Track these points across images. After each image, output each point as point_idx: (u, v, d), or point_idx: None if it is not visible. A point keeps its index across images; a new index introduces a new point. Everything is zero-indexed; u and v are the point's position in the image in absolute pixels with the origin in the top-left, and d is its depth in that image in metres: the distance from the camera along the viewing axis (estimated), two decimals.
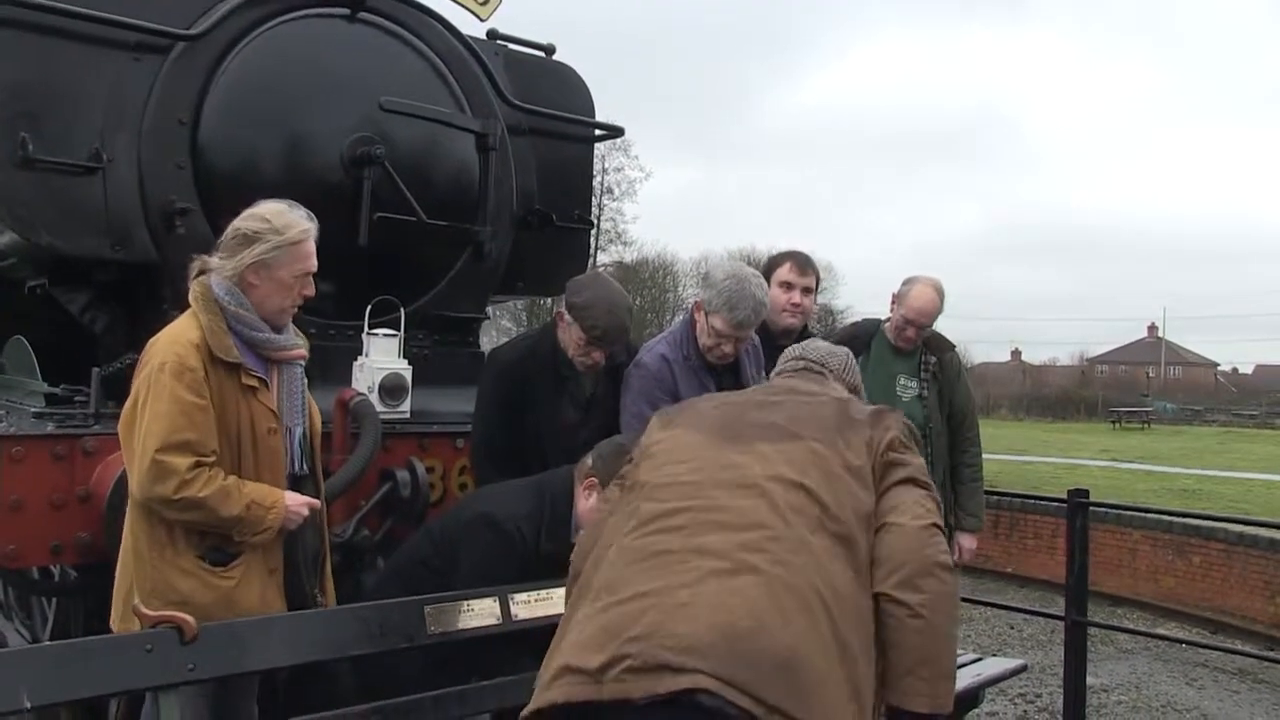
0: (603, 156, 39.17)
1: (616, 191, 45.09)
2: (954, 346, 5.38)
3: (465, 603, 3.21)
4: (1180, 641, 9.58)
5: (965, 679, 4.45)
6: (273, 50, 4.57)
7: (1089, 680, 5.83)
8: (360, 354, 4.45)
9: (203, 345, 3.04)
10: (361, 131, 4.62)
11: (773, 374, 3.08)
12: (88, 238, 4.21)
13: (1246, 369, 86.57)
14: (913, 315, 5.02)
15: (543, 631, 2.58)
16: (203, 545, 3.03)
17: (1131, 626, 10.34)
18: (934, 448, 5.07)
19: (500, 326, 34.53)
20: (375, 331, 4.48)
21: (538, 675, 2.23)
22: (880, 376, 4.91)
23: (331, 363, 4.36)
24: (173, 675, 2.62)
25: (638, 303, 47.59)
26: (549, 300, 4.26)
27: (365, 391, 4.28)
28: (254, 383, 3.14)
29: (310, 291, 3.24)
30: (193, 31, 4.35)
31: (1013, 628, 10.36)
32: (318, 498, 3.37)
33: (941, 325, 5.26)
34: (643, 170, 57.17)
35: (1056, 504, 8.05)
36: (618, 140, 7.30)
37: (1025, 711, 7.58)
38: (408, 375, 4.43)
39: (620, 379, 4.14)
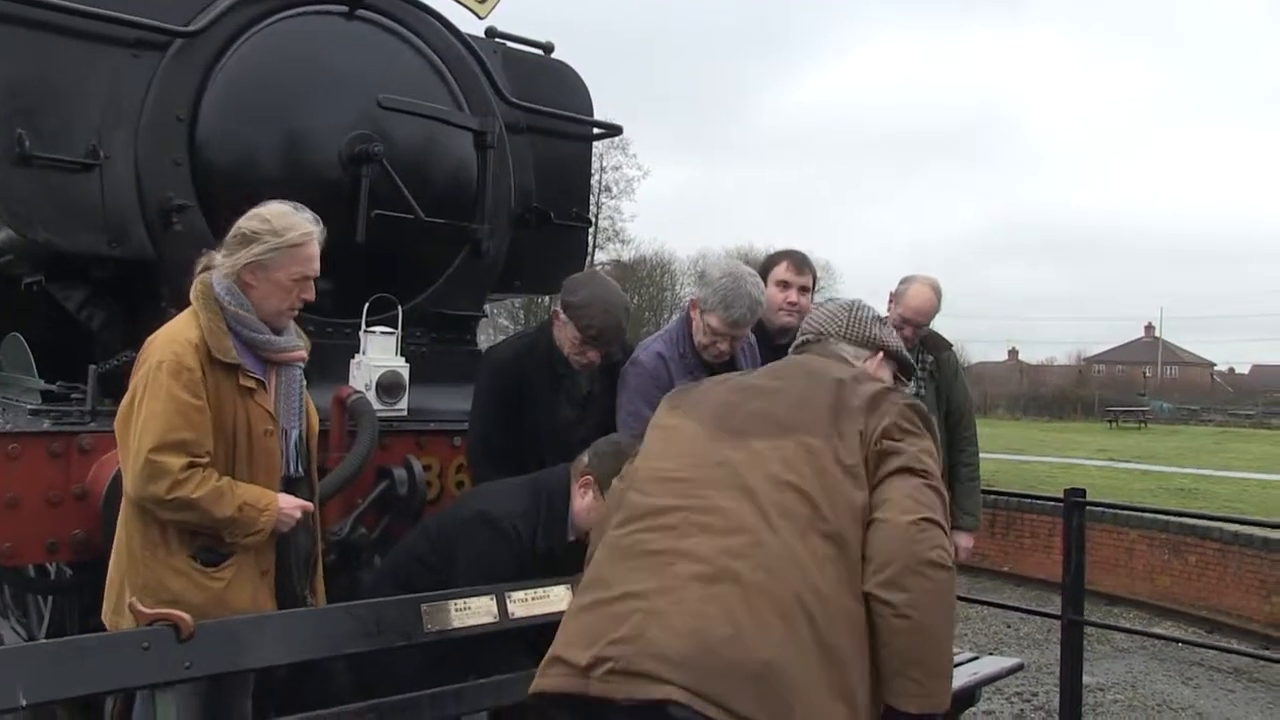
0: (601, 155, 39.21)
1: (614, 190, 45.11)
2: (951, 345, 5.39)
3: (462, 601, 3.21)
4: (1176, 640, 9.58)
5: (962, 678, 4.45)
6: (271, 47, 4.56)
7: (1085, 679, 5.84)
8: (357, 351, 4.45)
9: (201, 345, 3.03)
10: (360, 129, 4.62)
11: (791, 347, 2.98)
12: (85, 234, 4.20)
13: (1243, 369, 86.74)
14: (910, 314, 5.02)
15: (539, 630, 2.57)
16: (194, 545, 3.02)
17: (1128, 625, 10.35)
18: None
19: (498, 325, 34.54)
20: (372, 329, 4.48)
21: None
22: None
23: (329, 360, 4.35)
24: (169, 673, 2.61)
25: (635, 301, 47.62)
26: (546, 298, 4.27)
27: (362, 389, 4.28)
28: (251, 384, 3.13)
29: (309, 295, 3.22)
30: (191, 28, 4.35)
31: (1009, 626, 10.37)
32: (312, 500, 3.36)
33: (939, 324, 5.27)
34: (641, 169, 57.18)
35: (1053, 503, 8.06)
36: (616, 139, 7.29)
37: (1022, 710, 7.59)
38: (405, 373, 4.43)
39: (617, 377, 4.14)
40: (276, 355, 3.22)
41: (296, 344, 3.30)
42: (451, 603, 3.18)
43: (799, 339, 2.87)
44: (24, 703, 2.36)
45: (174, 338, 3.04)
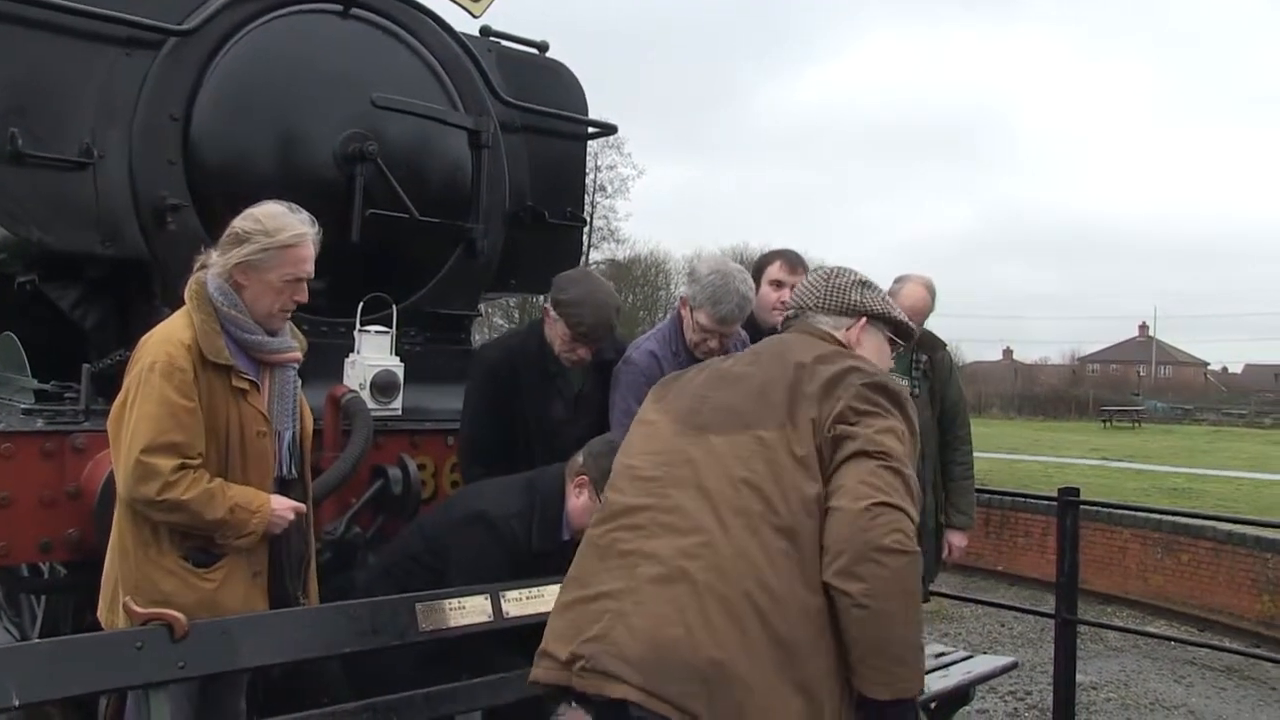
0: (595, 154, 39.20)
1: (609, 189, 45.12)
2: (945, 345, 5.40)
3: (456, 600, 3.21)
4: (1169, 639, 9.59)
5: (956, 676, 4.47)
6: (265, 46, 4.56)
7: (1079, 677, 5.85)
8: (352, 351, 4.45)
9: (194, 346, 3.02)
10: (354, 128, 4.61)
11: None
12: (78, 233, 4.19)
13: (1236, 368, 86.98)
14: (904, 313, 5.02)
15: (534, 629, 2.58)
16: (186, 546, 3.02)
17: (1121, 624, 10.36)
18: (925, 446, 5.08)
19: (492, 324, 34.48)
20: (367, 328, 4.47)
21: None
22: None
23: (323, 359, 4.35)
24: (162, 673, 2.62)
25: (630, 300, 47.60)
26: (541, 297, 4.26)
27: (357, 388, 4.27)
28: (244, 385, 3.12)
29: (302, 297, 3.20)
30: (185, 27, 4.34)
31: (1003, 625, 10.38)
32: (306, 501, 3.35)
33: (933, 323, 5.28)
34: (635, 168, 57.10)
35: (1047, 502, 8.08)
36: (610, 138, 7.28)
37: (1015, 709, 7.59)
38: (399, 372, 4.43)
39: (609, 375, 4.15)
40: (270, 356, 3.22)
41: (290, 345, 3.29)
42: (446, 602, 3.19)
43: (782, 316, 2.83)
44: (17, 702, 2.36)
45: (167, 338, 3.04)
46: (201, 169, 4.40)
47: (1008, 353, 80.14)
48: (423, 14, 5.07)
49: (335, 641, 2.99)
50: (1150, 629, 10.52)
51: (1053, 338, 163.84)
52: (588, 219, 8.94)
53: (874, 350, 2.65)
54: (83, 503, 3.66)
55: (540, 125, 5.66)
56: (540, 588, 3.34)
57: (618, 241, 47.12)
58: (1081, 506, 5.59)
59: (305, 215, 3.21)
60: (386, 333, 4.51)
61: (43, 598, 4.93)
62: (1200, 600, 11.76)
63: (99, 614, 3.13)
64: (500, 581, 3.39)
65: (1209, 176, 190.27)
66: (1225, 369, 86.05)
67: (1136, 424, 40.01)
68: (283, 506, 3.14)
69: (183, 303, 3.14)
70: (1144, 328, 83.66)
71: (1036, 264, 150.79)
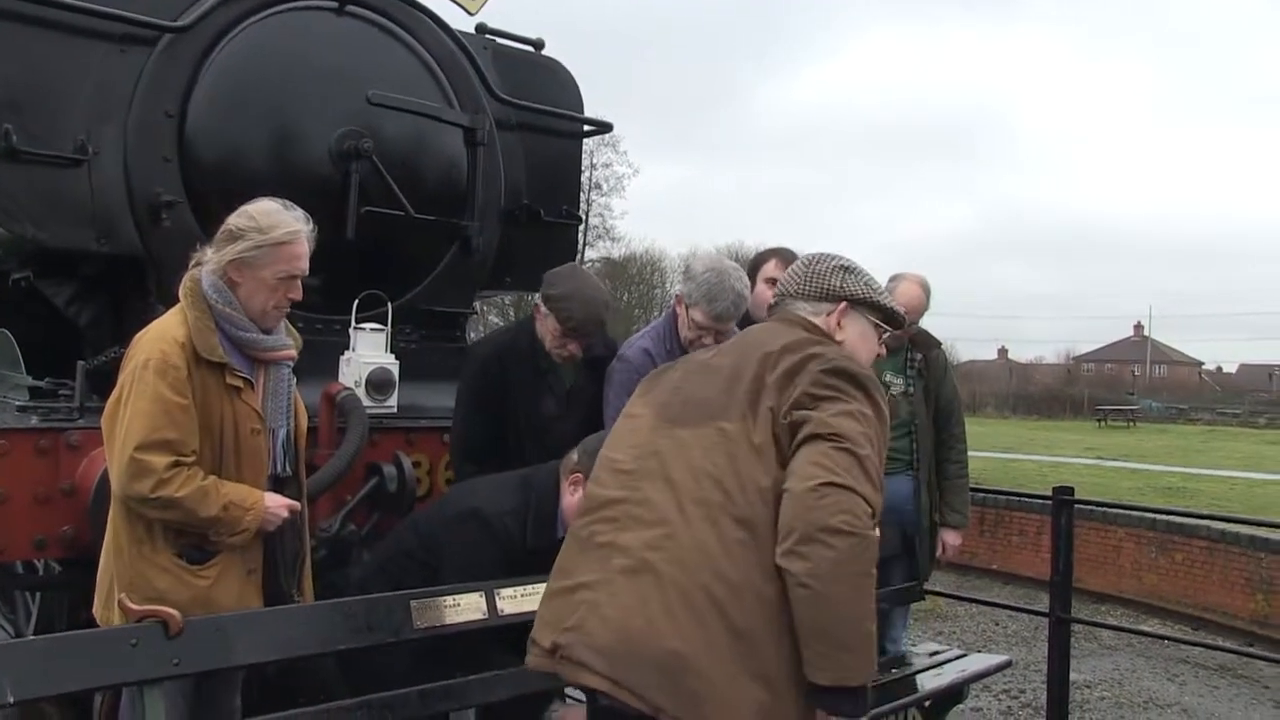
0: (591, 152, 39.15)
1: (605, 187, 45.10)
2: (940, 344, 5.40)
3: (451, 598, 3.21)
4: (1162, 638, 9.61)
5: (950, 674, 4.46)
6: (261, 43, 4.56)
7: (1073, 676, 5.86)
8: (347, 348, 4.45)
9: (188, 343, 3.02)
10: (349, 125, 4.61)
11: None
12: (73, 230, 4.19)
13: (1231, 368, 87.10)
14: None
15: (529, 627, 2.58)
16: (180, 543, 3.02)
17: (1115, 623, 10.38)
18: (920, 444, 5.09)
19: (488, 321, 34.48)
20: (362, 326, 4.47)
21: None
22: None
23: (318, 357, 4.34)
24: (158, 670, 2.61)
25: (625, 299, 47.61)
26: (536, 295, 4.28)
27: (352, 386, 4.27)
28: (239, 383, 3.11)
29: (296, 295, 3.20)
30: (180, 23, 4.33)
31: (997, 624, 10.39)
32: (301, 499, 3.35)
33: (928, 322, 5.28)
34: (631, 166, 57.22)
35: (1041, 501, 8.09)
36: (606, 136, 7.30)
37: (1009, 707, 7.61)
38: (395, 370, 4.43)
39: (600, 372, 4.17)
40: (264, 354, 3.21)
41: (285, 343, 3.29)
42: (441, 599, 3.19)
43: (770, 304, 2.80)
44: (12, 699, 2.36)
45: (161, 335, 3.03)
46: (197, 166, 4.39)
47: (1003, 352, 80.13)
48: (418, 11, 5.07)
49: (330, 639, 2.99)
50: (1144, 628, 10.54)
51: (1048, 337, 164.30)
52: (583, 217, 8.94)
53: (857, 336, 2.60)
54: (77, 500, 3.66)
55: (536, 123, 5.67)
56: (535, 585, 3.33)
57: (613, 240, 47.13)
58: (1076, 505, 5.59)
59: (300, 213, 3.20)
60: (382, 330, 4.51)
61: (38, 595, 4.93)
62: (1194, 599, 11.78)
63: (94, 611, 3.13)
64: (493, 579, 3.40)
65: (1205, 177, 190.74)
66: (1220, 368, 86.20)
67: (1131, 423, 40.04)
68: (276, 504, 3.14)
69: (177, 300, 3.13)
70: (1139, 327, 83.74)
71: (1032, 263, 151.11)
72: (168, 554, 3.01)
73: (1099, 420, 40.40)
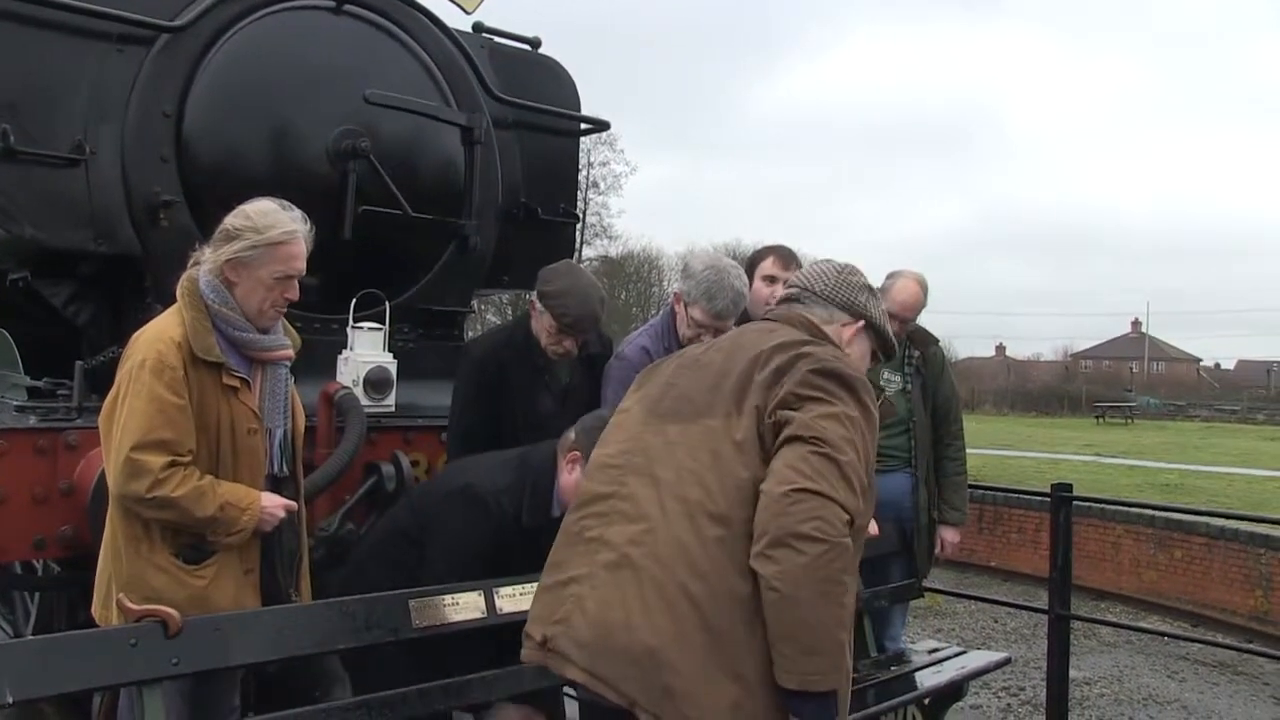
0: (588, 150, 39.16)
1: (602, 185, 45.09)
2: (938, 341, 5.40)
3: (450, 596, 3.21)
4: (1162, 634, 9.63)
5: (949, 672, 4.47)
6: (258, 43, 4.55)
7: (1072, 673, 5.86)
8: (345, 347, 4.45)
9: (184, 343, 3.01)
10: (347, 124, 4.61)
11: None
12: (71, 230, 4.19)
13: (1228, 364, 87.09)
14: (896, 309, 5.03)
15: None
16: (177, 543, 3.02)
17: (1114, 620, 10.37)
18: (918, 442, 5.10)
19: (485, 320, 34.48)
20: (360, 325, 4.47)
21: None
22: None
23: (316, 356, 4.34)
24: (157, 670, 2.61)
25: (623, 297, 47.64)
26: (532, 293, 4.31)
27: (350, 385, 4.27)
28: (235, 383, 3.11)
29: (293, 295, 3.20)
30: (177, 23, 4.33)
31: (997, 621, 10.40)
32: (298, 499, 3.35)
33: (925, 319, 5.29)
34: (628, 164, 57.23)
35: (1040, 498, 8.09)
36: (603, 134, 7.30)
37: (1009, 704, 7.61)
38: (393, 369, 4.43)
39: (596, 370, 4.19)
40: (261, 354, 3.21)
41: (283, 343, 3.29)
42: (440, 598, 3.19)
43: (783, 293, 2.81)
44: (11, 699, 2.36)
45: (158, 335, 3.03)
46: (194, 165, 4.39)
47: (1000, 349, 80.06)
48: (415, 10, 5.07)
49: (328, 638, 2.99)
50: (1143, 624, 10.54)
51: (1045, 334, 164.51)
52: (580, 215, 8.93)
53: (859, 355, 2.66)
54: (76, 500, 3.66)
55: (533, 121, 5.67)
56: (533, 584, 3.32)
57: (610, 238, 47.16)
58: (1075, 502, 5.59)
59: (297, 213, 3.20)
60: (380, 329, 4.51)
61: (36, 595, 4.93)
62: (1193, 596, 11.80)
63: (93, 611, 3.12)
64: (482, 558, 3.39)
65: (1202, 173, 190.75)
66: (1218, 365, 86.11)
67: (1129, 420, 40.08)
68: (273, 504, 3.14)
69: (175, 300, 3.13)
70: (1137, 324, 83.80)
71: (1029, 260, 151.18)
72: (165, 554, 3.00)
73: (1097, 417, 40.42)
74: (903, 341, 5.15)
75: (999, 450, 22.29)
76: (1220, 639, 9.79)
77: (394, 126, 4.79)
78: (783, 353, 2.42)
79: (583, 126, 6.08)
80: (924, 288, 5.09)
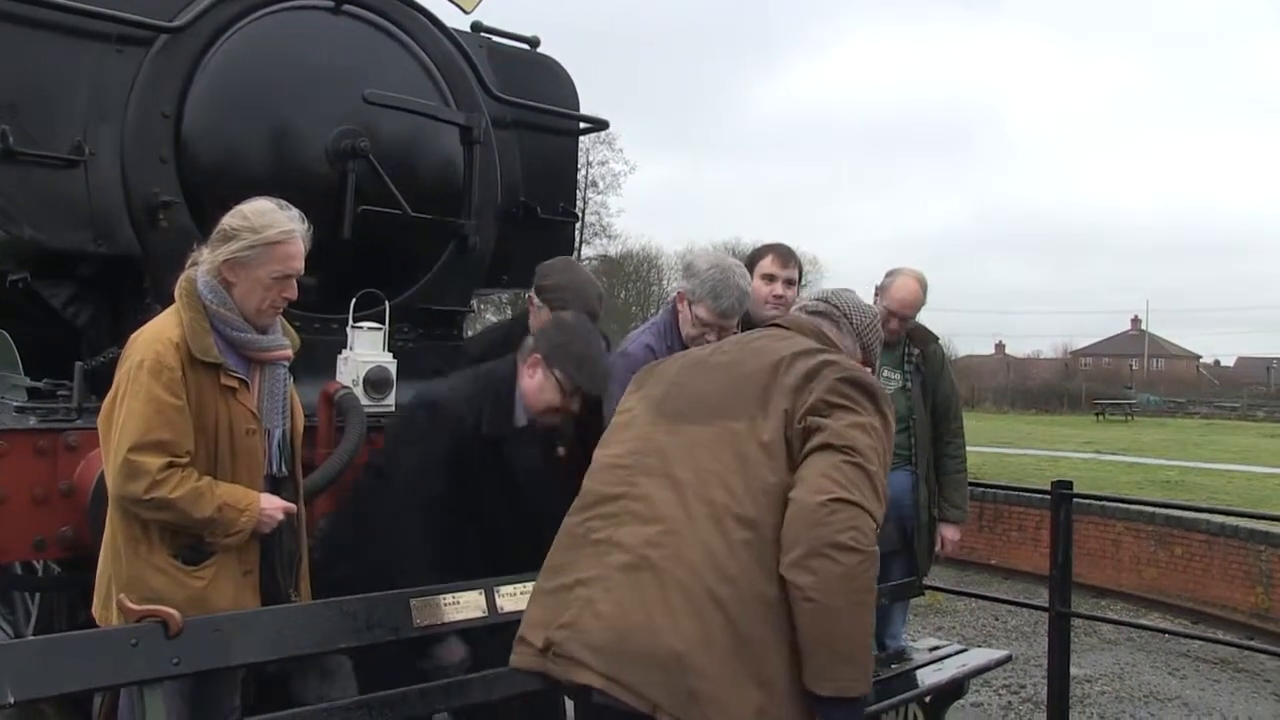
0: (587, 150, 39.17)
1: (601, 185, 45.09)
2: (938, 338, 5.41)
3: (451, 595, 3.21)
4: (1162, 631, 9.63)
5: (950, 670, 4.47)
6: (257, 43, 4.55)
7: (1073, 670, 5.86)
8: (344, 347, 4.45)
9: (182, 344, 3.02)
10: (346, 124, 4.61)
11: (793, 308, 2.98)
12: (70, 231, 4.18)
13: (1228, 361, 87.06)
14: (896, 307, 5.04)
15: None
16: (176, 544, 3.02)
17: (1115, 617, 10.37)
18: (918, 440, 5.10)
19: (484, 320, 34.47)
20: (360, 324, 4.47)
21: None
22: None
23: (316, 356, 4.34)
24: (158, 670, 2.61)
25: (622, 296, 47.66)
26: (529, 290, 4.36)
27: (350, 385, 4.27)
28: (233, 383, 3.11)
29: (291, 294, 3.20)
30: (175, 24, 4.33)
31: (997, 619, 10.41)
32: (297, 499, 3.36)
33: (925, 317, 5.30)
34: (627, 164, 57.25)
35: (1040, 496, 8.09)
36: (602, 133, 7.30)
37: (1010, 702, 7.61)
38: (392, 368, 4.42)
39: None
40: (259, 354, 3.21)
41: (281, 343, 3.28)
42: (440, 598, 3.19)
43: (813, 304, 2.84)
44: (12, 699, 2.36)
45: (156, 336, 3.03)
46: (193, 166, 4.39)
47: (1000, 346, 80.00)
48: (414, 10, 5.07)
49: (329, 638, 2.99)
50: (1144, 622, 10.54)
51: (1045, 331, 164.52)
52: (580, 215, 8.93)
53: None
54: (76, 500, 3.65)
55: (532, 121, 5.67)
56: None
57: (610, 237, 47.15)
58: (1075, 500, 5.60)
59: (295, 212, 3.20)
60: (379, 329, 4.50)
61: (37, 595, 4.93)
62: (1193, 593, 11.80)
63: (93, 611, 3.13)
64: (443, 467, 3.42)
65: (1202, 171, 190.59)
66: (1218, 362, 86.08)
67: (1129, 417, 40.07)
68: (272, 505, 3.14)
69: (174, 301, 3.13)
70: (1136, 321, 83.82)
71: (1028, 258, 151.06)
72: (163, 555, 3.01)
73: (1097, 414, 40.40)
74: (903, 339, 5.15)
75: (999, 448, 22.29)
76: (1221, 636, 9.80)
77: (393, 126, 4.79)
78: (807, 359, 2.44)
79: (582, 126, 6.08)
80: (924, 286, 5.10)
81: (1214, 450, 23.54)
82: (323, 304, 4.54)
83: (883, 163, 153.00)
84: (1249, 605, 11.17)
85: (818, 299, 2.85)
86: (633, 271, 50.41)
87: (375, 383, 4.34)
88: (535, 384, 3.57)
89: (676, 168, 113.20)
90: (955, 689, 4.50)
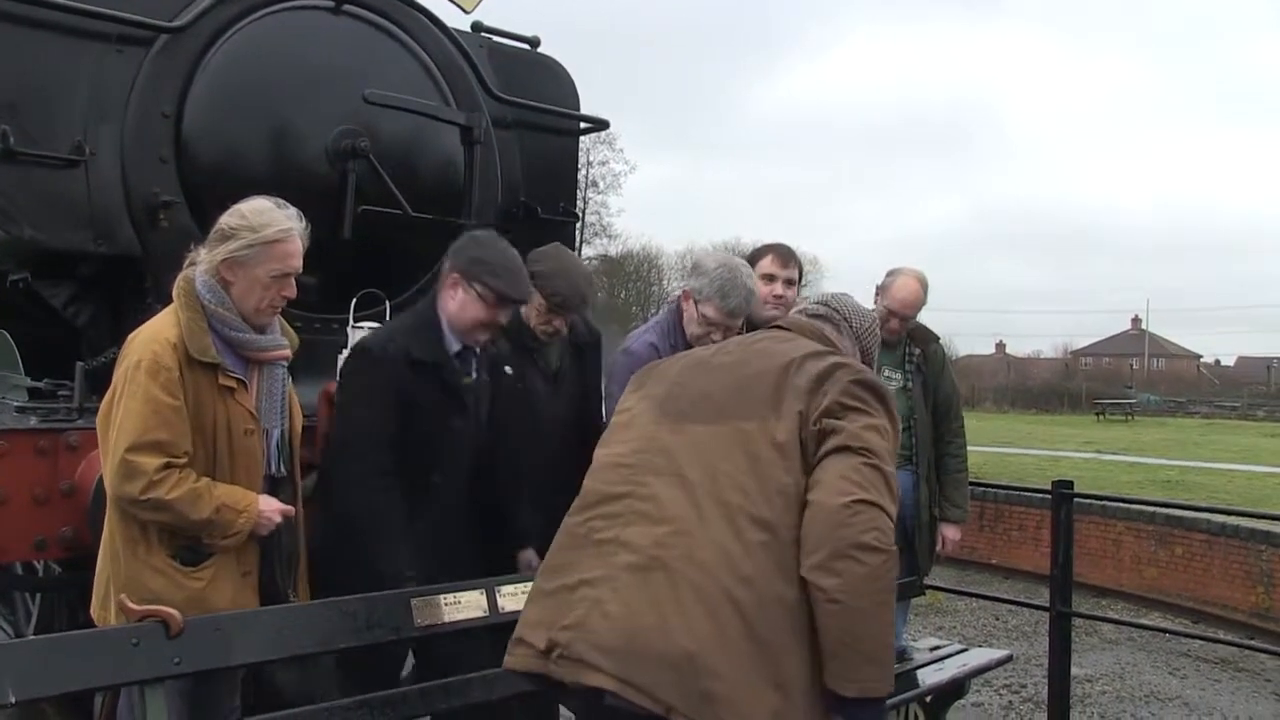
0: (587, 150, 39.21)
1: (601, 185, 45.17)
2: (939, 338, 5.40)
3: (452, 595, 3.21)
4: (1163, 631, 9.63)
5: (951, 669, 4.48)
6: (257, 43, 4.55)
7: (1074, 670, 5.86)
8: (345, 347, 4.44)
9: (180, 344, 3.02)
10: (346, 124, 4.61)
11: (792, 310, 3.01)
12: (71, 231, 4.18)
13: (1228, 361, 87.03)
14: (896, 306, 5.04)
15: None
16: (174, 545, 3.02)
17: (1115, 617, 10.38)
18: (919, 439, 5.10)
19: None
20: (360, 324, 4.46)
21: None
22: None
23: (316, 356, 4.34)
24: (159, 669, 2.61)
25: (622, 296, 47.69)
26: None
27: None
28: (231, 383, 3.11)
29: (290, 293, 3.20)
30: (176, 24, 4.33)
31: (998, 619, 10.41)
32: (296, 499, 3.35)
33: (925, 317, 5.29)
34: (628, 163, 57.29)
35: (1041, 495, 8.10)
36: (602, 133, 7.30)
37: (1010, 702, 7.62)
38: None
39: (585, 358, 4.35)
40: (258, 354, 3.21)
41: (279, 343, 3.28)
42: (441, 598, 3.19)
43: (813, 307, 2.86)
44: (13, 699, 2.36)
45: (153, 336, 3.03)
46: (194, 166, 4.39)
47: (1000, 346, 80.00)
48: (415, 10, 5.06)
49: (329, 638, 2.99)
50: (1144, 621, 10.55)
51: (1045, 331, 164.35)
52: (580, 215, 8.94)
53: None
54: (77, 500, 3.66)
55: (532, 121, 5.67)
56: None
57: (610, 237, 47.23)
58: (1075, 499, 5.60)
59: (292, 210, 3.20)
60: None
61: (37, 595, 4.93)
62: (1194, 592, 11.81)
63: (91, 612, 3.13)
64: (386, 410, 3.43)
65: (1202, 171, 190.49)
66: (1218, 361, 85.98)
67: (1129, 417, 40.06)
68: (270, 508, 3.13)
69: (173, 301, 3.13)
70: (1137, 320, 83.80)
71: (1028, 258, 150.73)
72: (162, 555, 3.01)
73: (1097, 414, 40.40)
74: (903, 339, 5.15)
75: (1000, 448, 22.29)
76: (1221, 636, 9.80)
77: (393, 126, 4.79)
78: (817, 360, 2.45)
79: (582, 126, 6.08)
80: (924, 285, 5.10)
81: (1214, 450, 23.54)
82: (323, 304, 4.54)
83: (883, 163, 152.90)
84: (1249, 605, 11.17)
85: (818, 303, 2.87)
86: (633, 271, 50.48)
87: None
88: (457, 303, 3.60)
89: (676, 168, 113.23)
90: (956, 689, 4.51)
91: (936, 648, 4.84)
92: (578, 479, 2.60)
